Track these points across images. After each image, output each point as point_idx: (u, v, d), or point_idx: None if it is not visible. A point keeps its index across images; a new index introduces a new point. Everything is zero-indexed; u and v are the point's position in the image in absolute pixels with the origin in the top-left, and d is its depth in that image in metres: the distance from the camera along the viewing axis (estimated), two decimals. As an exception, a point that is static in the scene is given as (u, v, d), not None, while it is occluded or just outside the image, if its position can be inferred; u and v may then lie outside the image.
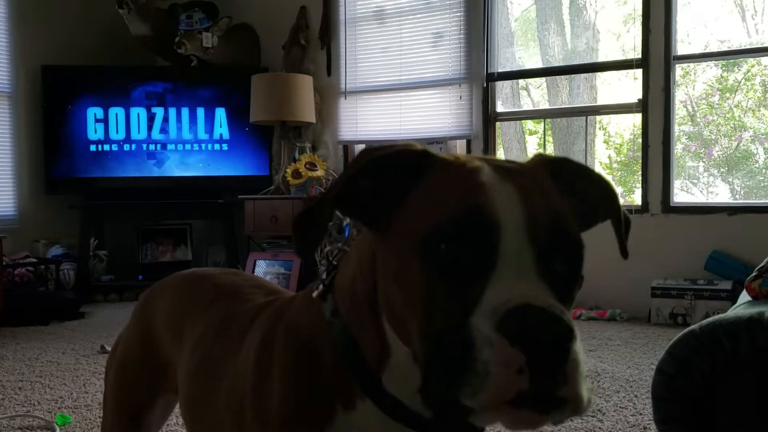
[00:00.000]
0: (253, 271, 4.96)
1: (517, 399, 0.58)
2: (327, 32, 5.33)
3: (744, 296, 1.86)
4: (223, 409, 0.94)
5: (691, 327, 1.33)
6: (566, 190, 0.74)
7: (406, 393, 0.74)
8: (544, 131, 5.49)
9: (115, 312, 4.71)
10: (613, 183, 0.81)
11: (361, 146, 5.31)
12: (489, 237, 0.64)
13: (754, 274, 1.80)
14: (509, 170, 0.71)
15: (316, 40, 5.39)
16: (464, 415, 0.62)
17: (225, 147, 5.48)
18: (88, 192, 5.33)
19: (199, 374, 1.04)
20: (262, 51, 5.63)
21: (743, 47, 4.34)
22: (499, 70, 4.87)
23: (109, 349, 3.45)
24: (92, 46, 5.60)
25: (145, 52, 5.66)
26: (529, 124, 6.85)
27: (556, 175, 0.75)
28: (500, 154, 5.06)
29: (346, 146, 5.36)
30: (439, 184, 0.70)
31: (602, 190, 0.80)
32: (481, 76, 4.79)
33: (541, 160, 0.78)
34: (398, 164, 0.72)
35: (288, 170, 4.87)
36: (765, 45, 4.21)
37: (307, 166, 4.83)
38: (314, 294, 0.82)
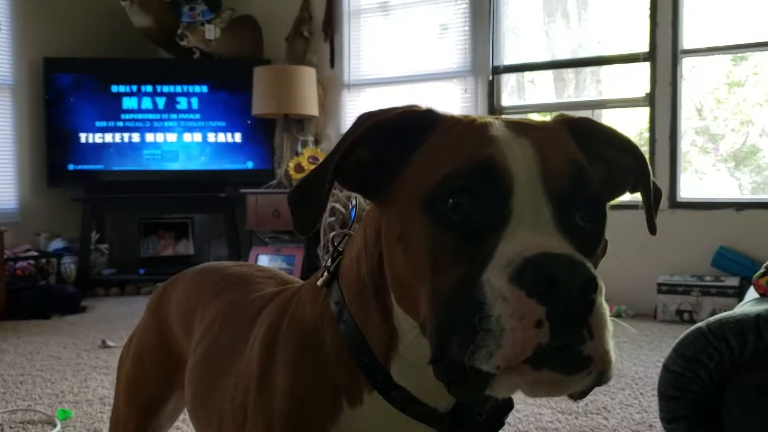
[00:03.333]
0: (255, 266, 4.94)
1: (536, 356, 0.54)
2: (330, 24, 5.30)
3: (751, 293, 1.84)
4: (228, 402, 0.90)
5: (698, 325, 1.31)
6: (590, 154, 0.69)
7: (416, 384, 0.71)
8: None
9: (116, 306, 4.69)
10: (642, 153, 0.74)
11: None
12: (501, 189, 0.60)
13: (762, 270, 1.77)
14: (524, 125, 0.67)
15: (319, 32, 5.35)
16: (482, 386, 0.57)
17: (227, 140, 5.45)
18: (90, 185, 5.31)
19: (205, 365, 1.01)
20: (265, 43, 5.59)
21: (751, 41, 4.28)
22: (505, 63, 4.82)
23: (110, 343, 3.45)
24: (94, 38, 5.58)
25: (147, 44, 5.64)
26: (535, 118, 6.81)
27: (579, 136, 0.71)
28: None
29: (350, 140, 5.32)
30: (445, 141, 0.66)
31: (631, 156, 0.75)
32: (487, 69, 4.75)
33: (562, 119, 0.73)
34: (400, 127, 0.69)
35: (290, 164, 4.84)
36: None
37: (310, 159, 4.80)
38: (318, 282, 0.78)
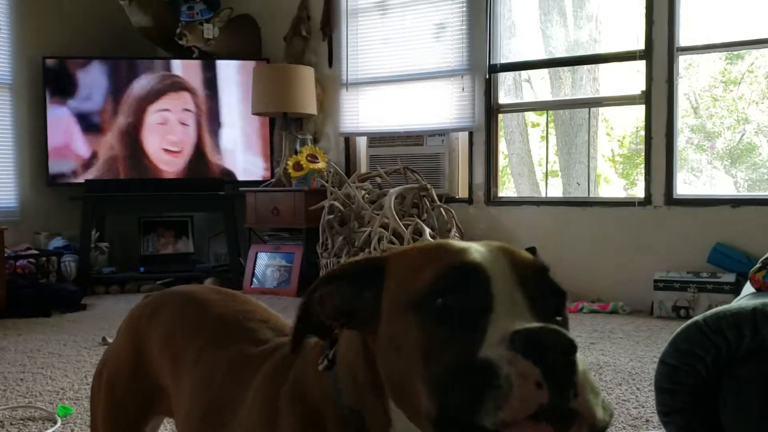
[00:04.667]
0: (254, 264, 4.96)
1: (536, 414, 0.61)
2: (329, 23, 5.31)
3: (748, 288, 1.85)
4: None
5: (695, 318, 1.32)
6: None
7: None
8: (547, 123, 5.47)
9: (116, 304, 4.71)
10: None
11: (363, 138, 5.30)
12: (481, 283, 0.70)
13: (758, 265, 1.79)
14: (481, 243, 0.77)
15: (317, 31, 5.37)
16: None
17: (226, 138, 5.47)
18: (90, 184, 5.32)
19: (201, 421, 1.03)
20: (264, 42, 5.61)
21: (747, 39, 4.31)
22: (502, 62, 4.84)
23: (111, 340, 3.45)
24: (93, 37, 5.59)
25: (146, 43, 5.65)
26: (532, 117, 6.83)
27: None
28: (502, 147, 5.04)
29: (348, 138, 5.35)
30: (412, 262, 0.76)
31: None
32: (484, 68, 4.77)
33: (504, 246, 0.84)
34: (354, 274, 0.79)
35: (289, 162, 4.86)
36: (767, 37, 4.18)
37: (309, 158, 4.81)
38: (320, 367, 0.85)
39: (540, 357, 0.62)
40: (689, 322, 1.33)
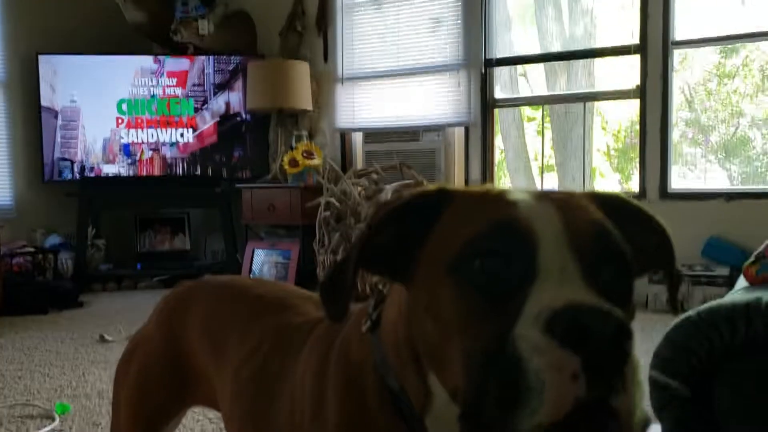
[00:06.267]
0: (251, 261, 4.96)
1: (573, 411, 0.53)
2: (324, 18, 5.30)
3: (741, 282, 1.87)
4: (284, 421, 0.91)
5: (689, 313, 1.33)
6: (617, 228, 0.69)
7: None
8: (542, 118, 5.48)
9: (113, 301, 4.71)
10: (670, 234, 0.76)
11: (359, 134, 5.30)
12: (525, 247, 0.61)
13: (751, 259, 1.80)
14: (545, 192, 0.69)
15: (312, 26, 5.36)
16: None
17: (222, 135, 5.47)
18: (85, 180, 5.32)
19: (252, 391, 1.01)
20: (259, 38, 5.60)
21: (742, 32, 4.32)
22: (498, 56, 4.85)
23: (108, 338, 3.46)
24: (88, 34, 5.57)
25: (141, 39, 5.64)
26: (528, 111, 6.83)
27: (608, 210, 0.70)
28: (498, 142, 5.05)
29: (344, 134, 5.35)
30: (462, 211, 0.68)
31: (658, 237, 0.77)
32: (479, 62, 4.77)
33: (590, 193, 0.74)
34: (414, 210, 0.70)
35: (285, 158, 4.86)
36: (763, 30, 4.19)
37: (304, 154, 4.81)
38: (363, 328, 0.79)
39: (580, 344, 0.53)
40: (683, 316, 1.34)
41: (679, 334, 1.31)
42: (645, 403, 0.58)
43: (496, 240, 0.62)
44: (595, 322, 0.53)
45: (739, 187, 5.33)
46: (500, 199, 0.67)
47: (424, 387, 0.71)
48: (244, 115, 5.40)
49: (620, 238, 0.65)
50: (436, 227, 0.68)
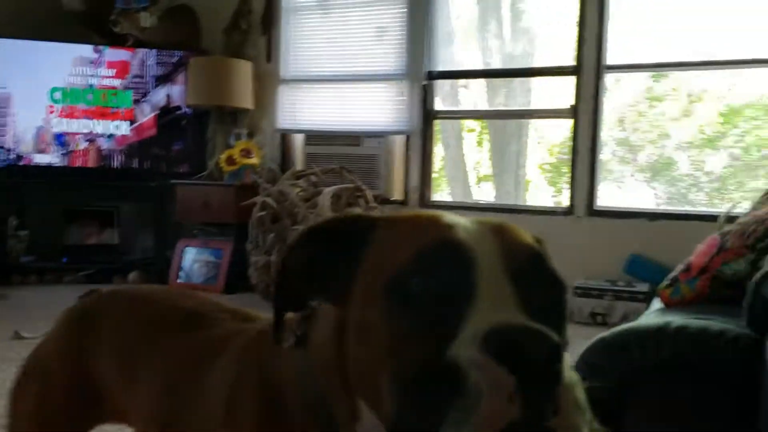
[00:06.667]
0: (181, 259, 4.88)
1: (506, 430, 0.53)
2: (269, 18, 5.27)
3: (657, 302, 1.96)
4: None
5: (602, 334, 1.40)
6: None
7: None
8: (480, 132, 5.58)
9: (34, 295, 4.54)
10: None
11: (300, 136, 5.28)
12: (464, 268, 0.61)
13: (666, 282, 1.89)
14: (478, 218, 0.69)
15: (257, 25, 5.31)
16: None
17: (162, 128, 5.36)
18: (12, 169, 5.12)
19: (165, 410, 0.97)
20: (203, 33, 5.51)
21: (670, 61, 4.52)
22: (439, 69, 4.92)
23: (25, 335, 3.29)
24: (22, 19, 5.35)
25: (80, 28, 5.46)
26: (468, 122, 6.94)
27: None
28: (439, 151, 5.11)
29: (284, 135, 5.32)
30: (397, 232, 0.67)
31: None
32: (421, 74, 4.83)
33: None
34: (337, 232, 0.71)
35: (222, 156, 4.80)
36: (690, 60, 4.41)
37: (243, 153, 4.77)
38: (286, 345, 0.77)
39: (516, 363, 0.53)
40: (597, 337, 1.41)
41: (592, 354, 1.37)
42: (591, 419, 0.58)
43: (434, 261, 0.61)
44: (529, 342, 0.54)
45: (662, 207, 5.55)
46: (437, 221, 0.67)
47: (353, 408, 0.70)
48: (184, 109, 5.30)
49: (551, 262, 0.67)
50: (368, 248, 0.68)
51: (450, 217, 0.68)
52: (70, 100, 5.23)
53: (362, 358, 0.65)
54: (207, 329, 1.00)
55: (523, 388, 0.53)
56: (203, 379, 0.92)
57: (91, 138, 5.28)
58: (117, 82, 5.30)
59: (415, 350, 0.59)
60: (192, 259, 4.87)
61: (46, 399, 1.11)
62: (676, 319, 1.37)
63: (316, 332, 0.76)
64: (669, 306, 1.80)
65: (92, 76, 5.27)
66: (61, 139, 5.25)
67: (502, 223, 0.69)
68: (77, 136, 5.27)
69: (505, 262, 0.62)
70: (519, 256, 0.64)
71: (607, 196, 4.55)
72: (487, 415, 0.53)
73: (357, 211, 0.72)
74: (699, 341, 1.24)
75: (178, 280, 4.84)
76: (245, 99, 4.95)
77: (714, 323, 1.31)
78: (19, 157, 5.19)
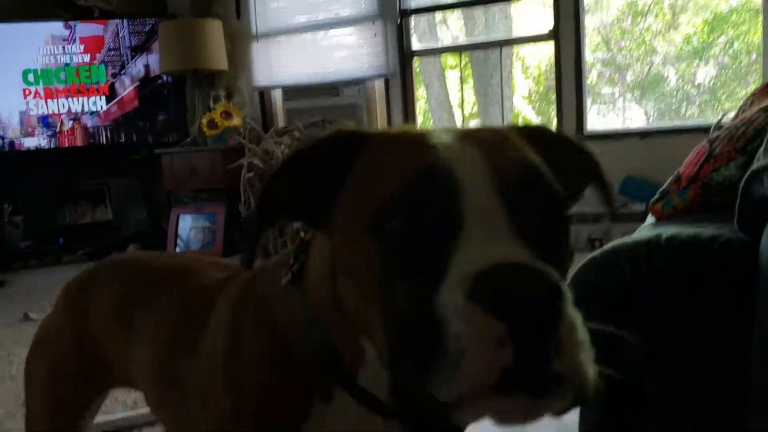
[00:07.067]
0: (176, 227, 4.86)
1: (501, 382, 0.48)
2: (234, -27, 5.12)
3: (649, 218, 1.93)
4: (194, 395, 0.87)
5: (593, 253, 1.37)
6: (546, 160, 0.65)
7: (382, 391, 0.66)
8: (461, 66, 5.49)
9: (36, 278, 4.56)
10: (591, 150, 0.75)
11: (278, 92, 5.19)
12: (448, 196, 0.55)
13: (657, 196, 1.86)
14: (466, 131, 0.63)
15: (223, -18, 5.17)
16: (443, 415, 0.52)
17: (144, 99, 5.27)
18: (1, 157, 5.08)
19: (164, 360, 0.97)
20: (168, -3, 5.37)
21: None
22: (413, 5, 4.79)
23: (33, 316, 3.35)
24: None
25: (42, 4, 5.30)
26: (450, 59, 6.83)
27: (532, 142, 0.66)
28: (420, 93, 5.04)
29: (262, 92, 5.23)
30: (379, 159, 0.62)
31: (584, 156, 0.74)
32: (395, 12, 4.71)
33: (514, 127, 0.69)
34: (324, 153, 0.65)
35: (203, 121, 4.73)
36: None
37: (223, 115, 4.70)
38: (283, 281, 0.74)
39: (505, 308, 0.48)
40: (588, 257, 1.38)
41: (584, 274, 1.34)
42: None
43: (415, 195, 0.56)
44: (521, 284, 0.49)
45: (654, 124, 5.50)
46: (419, 143, 0.60)
47: (356, 345, 0.67)
48: (165, 78, 5.20)
49: (550, 176, 0.61)
50: (352, 174, 0.63)
51: (437, 134, 0.61)
52: (44, 81, 5.13)
53: (353, 295, 0.61)
54: (198, 279, 1.00)
55: (518, 334, 0.48)
56: (199, 329, 0.90)
57: (74, 117, 5.20)
58: (87, 58, 5.18)
59: (402, 292, 0.54)
60: (188, 226, 4.85)
61: (56, 368, 1.14)
62: (667, 230, 1.33)
63: (311, 268, 0.71)
64: (661, 219, 1.77)
65: (65, 54, 5.14)
66: (46, 121, 5.17)
67: (494, 134, 0.63)
68: (61, 116, 5.18)
69: (495, 184, 0.56)
70: (511, 175, 0.58)
71: (596, 120, 4.49)
72: (473, 369, 0.48)
73: (350, 125, 0.69)
74: (691, 249, 1.21)
75: (177, 249, 4.83)
76: (219, 60, 4.85)
77: (706, 230, 1.28)
78: (8, 143, 5.12)
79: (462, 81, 5.67)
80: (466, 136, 0.62)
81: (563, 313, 0.50)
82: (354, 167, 0.63)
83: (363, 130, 0.66)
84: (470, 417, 0.53)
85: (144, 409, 2.03)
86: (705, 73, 6.33)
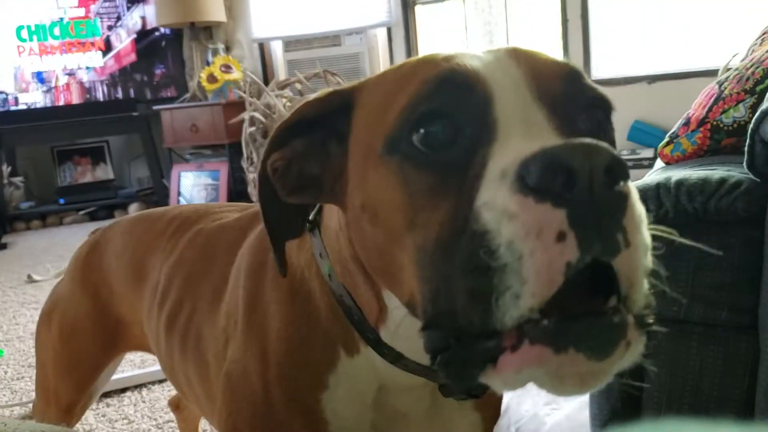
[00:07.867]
0: (178, 185, 4.83)
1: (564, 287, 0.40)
2: None
3: (658, 163, 1.89)
4: (212, 342, 0.84)
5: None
6: None
7: (409, 348, 0.63)
8: (465, 15, 5.36)
9: (39, 239, 4.56)
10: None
11: (278, 43, 5.09)
12: (478, 101, 0.48)
13: (666, 140, 1.82)
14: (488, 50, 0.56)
15: (218, -70, 5.02)
16: (480, 367, 0.44)
17: (141, 52, 5.18)
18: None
19: (187, 303, 0.92)
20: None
21: None
22: (414, -50, 4.66)
23: (36, 277, 3.35)
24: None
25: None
26: (452, 6, 6.67)
27: None
28: (423, 45, 4.93)
29: (262, 44, 5.13)
30: (387, 89, 0.54)
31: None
32: (396, -42, 4.58)
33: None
34: (312, 119, 0.59)
35: (202, 75, 4.65)
36: None
37: (222, 68, 4.62)
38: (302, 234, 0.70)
39: (562, 189, 0.40)
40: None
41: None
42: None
43: (437, 99, 0.49)
44: (579, 158, 0.40)
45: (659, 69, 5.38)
46: (434, 58, 0.53)
47: (378, 301, 0.62)
48: (162, 30, 5.10)
49: (588, 79, 0.54)
50: (354, 115, 0.57)
51: (449, 52, 0.54)
52: (38, 37, 5.04)
53: (374, 241, 0.54)
54: (212, 221, 0.97)
55: (579, 220, 0.40)
56: (225, 261, 0.86)
57: (70, 72, 5.13)
58: (82, 12, 5.09)
59: (433, 214, 0.47)
60: (191, 184, 4.82)
61: (69, 336, 1.14)
62: (676, 173, 1.30)
63: (327, 222, 0.67)
64: (670, 164, 1.73)
65: (58, 8, 5.05)
66: (40, 76, 5.10)
67: (519, 47, 0.55)
68: (56, 72, 5.11)
69: (532, 84, 0.49)
70: (550, 75, 0.51)
71: (602, 66, 4.39)
72: (537, 275, 0.40)
73: (328, 89, 0.65)
74: (700, 192, 1.18)
75: (179, 207, 4.81)
76: (217, 11, 4.74)
77: (715, 172, 1.24)
78: (2, 100, 5.06)
79: (465, 30, 5.54)
80: (488, 50, 0.54)
81: (630, 196, 0.42)
82: (353, 115, 0.58)
83: (342, 88, 0.60)
84: (514, 379, 0.44)
85: (153, 368, 2.04)
86: (716, 11, 6.17)
